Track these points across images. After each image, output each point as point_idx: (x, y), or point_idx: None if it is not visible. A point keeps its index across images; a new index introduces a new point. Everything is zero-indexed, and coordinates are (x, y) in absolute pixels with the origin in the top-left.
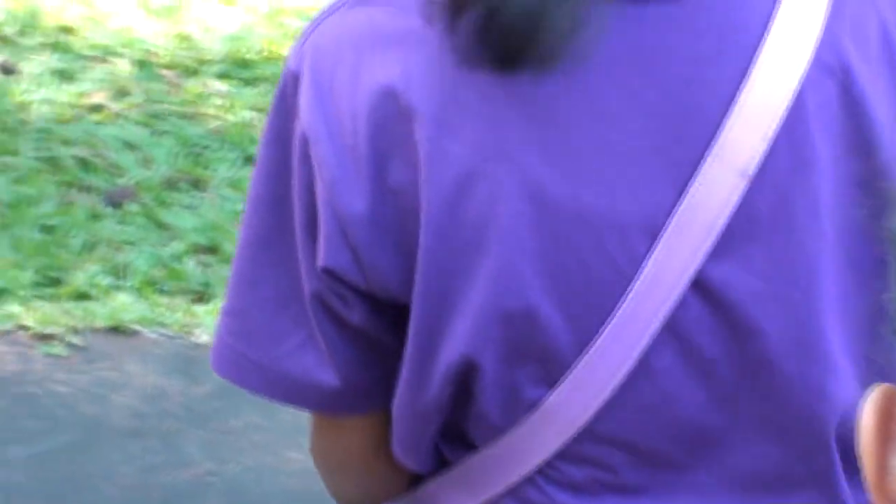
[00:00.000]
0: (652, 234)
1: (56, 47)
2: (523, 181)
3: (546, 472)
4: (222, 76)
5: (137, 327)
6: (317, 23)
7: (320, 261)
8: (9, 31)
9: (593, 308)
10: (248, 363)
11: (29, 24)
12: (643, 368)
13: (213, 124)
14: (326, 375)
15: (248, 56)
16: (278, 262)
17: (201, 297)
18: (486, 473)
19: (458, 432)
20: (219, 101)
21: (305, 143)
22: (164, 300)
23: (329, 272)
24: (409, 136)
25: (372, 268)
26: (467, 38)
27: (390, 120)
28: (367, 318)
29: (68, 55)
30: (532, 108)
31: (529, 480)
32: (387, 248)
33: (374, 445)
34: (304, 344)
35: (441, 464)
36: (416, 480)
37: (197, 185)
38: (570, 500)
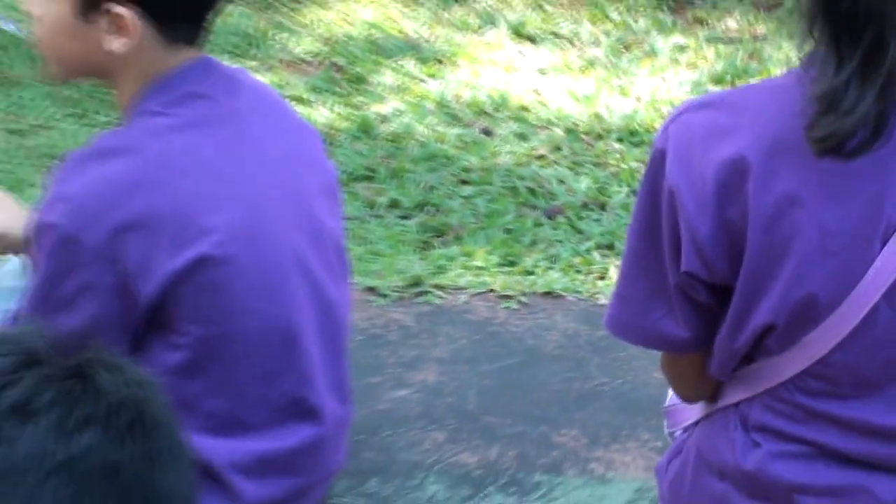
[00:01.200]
0: (884, 240)
1: (517, 119)
2: (813, 218)
3: (795, 381)
4: (619, 140)
5: (562, 293)
6: (673, 118)
7: (683, 266)
8: (488, 107)
9: (845, 287)
10: (630, 326)
11: (501, 104)
12: (869, 321)
13: (612, 170)
14: (680, 332)
15: (636, 128)
16: (651, 266)
17: (602, 276)
18: (758, 379)
19: (746, 356)
20: (617, 156)
21: (672, 195)
22: (580, 277)
23: (688, 273)
24: (741, 189)
25: (714, 269)
26: (822, 138)
27: (728, 179)
28: (708, 297)
29: (524, 124)
30: (828, 175)
31: (783, 385)
32: (723, 257)
33: (699, 367)
34: (667, 315)
35: (732, 374)
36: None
37: (602, 206)
38: (806, 401)
